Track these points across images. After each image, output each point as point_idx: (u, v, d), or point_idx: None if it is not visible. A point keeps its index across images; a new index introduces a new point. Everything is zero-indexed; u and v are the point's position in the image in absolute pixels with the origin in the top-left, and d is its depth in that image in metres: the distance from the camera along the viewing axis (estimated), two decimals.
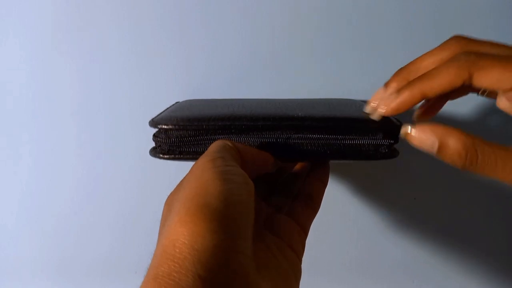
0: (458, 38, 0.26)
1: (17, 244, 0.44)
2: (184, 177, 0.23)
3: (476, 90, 0.27)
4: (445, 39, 0.26)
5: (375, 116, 0.27)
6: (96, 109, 0.40)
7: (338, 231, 0.43)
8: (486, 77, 0.23)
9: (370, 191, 0.42)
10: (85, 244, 0.43)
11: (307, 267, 0.26)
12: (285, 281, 0.23)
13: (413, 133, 0.24)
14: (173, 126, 0.26)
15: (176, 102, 0.36)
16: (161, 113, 0.30)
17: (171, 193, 0.23)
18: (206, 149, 0.24)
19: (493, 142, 0.23)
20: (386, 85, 0.27)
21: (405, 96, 0.25)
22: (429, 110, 0.30)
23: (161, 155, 0.27)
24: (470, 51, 0.24)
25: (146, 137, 0.30)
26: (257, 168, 0.26)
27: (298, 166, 0.33)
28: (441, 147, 0.23)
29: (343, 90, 0.39)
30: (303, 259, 0.26)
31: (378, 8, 0.38)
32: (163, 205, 0.23)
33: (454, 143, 0.23)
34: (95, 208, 0.42)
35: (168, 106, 0.34)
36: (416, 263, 0.44)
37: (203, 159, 0.22)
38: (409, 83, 0.25)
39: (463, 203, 0.42)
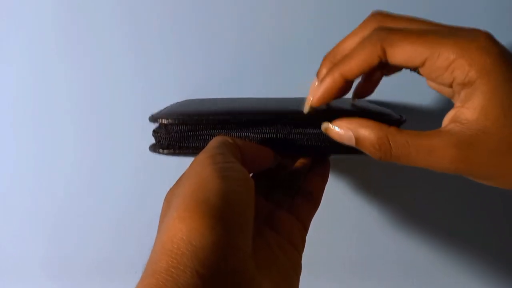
0: (375, 15, 0.25)
1: (17, 244, 0.44)
2: (184, 173, 0.23)
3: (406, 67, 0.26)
4: None
5: (304, 109, 0.26)
6: (95, 108, 0.40)
7: (337, 229, 0.43)
8: (398, 53, 0.23)
9: (370, 189, 0.42)
10: (85, 243, 0.43)
11: (306, 265, 0.26)
12: (285, 277, 0.23)
13: (331, 128, 0.25)
14: (173, 121, 0.26)
15: (176, 103, 0.36)
16: (160, 110, 0.30)
17: (170, 189, 0.23)
18: (206, 145, 0.24)
19: (408, 129, 0.23)
20: (317, 73, 0.27)
21: (327, 83, 0.24)
22: (365, 88, 0.29)
23: (160, 150, 0.27)
24: (386, 26, 0.24)
25: (146, 137, 0.30)
26: (257, 164, 0.26)
27: (298, 163, 0.33)
28: (357, 140, 0.24)
29: None
30: (302, 256, 0.26)
31: (377, 7, 0.38)
32: (163, 202, 0.23)
33: (368, 135, 0.23)
34: (94, 206, 0.42)
35: (167, 105, 0.34)
36: (416, 262, 0.44)
37: (203, 155, 0.22)
38: (330, 69, 0.25)
39: (463, 202, 0.42)
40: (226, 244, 0.18)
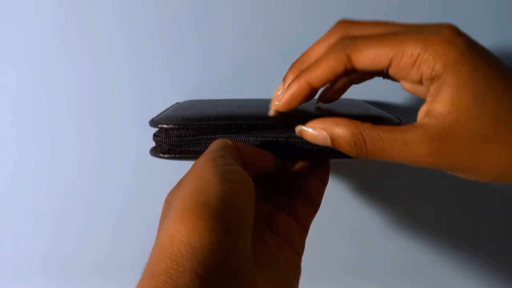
0: (341, 23, 0.25)
1: (17, 244, 0.44)
2: (184, 176, 0.23)
3: (377, 74, 0.27)
4: None
5: (270, 113, 0.26)
6: (95, 109, 0.40)
7: (337, 231, 0.43)
8: (363, 58, 0.23)
9: (370, 191, 0.42)
10: (85, 244, 0.43)
11: (306, 267, 0.26)
12: (285, 279, 0.23)
13: (305, 130, 0.25)
14: (174, 126, 0.26)
15: (176, 103, 0.36)
16: (161, 113, 0.30)
17: (171, 191, 0.23)
18: (207, 149, 0.24)
19: (382, 125, 0.23)
20: (284, 79, 0.27)
21: (293, 89, 0.25)
22: (333, 94, 0.29)
23: (161, 155, 0.27)
24: (349, 34, 0.24)
25: (146, 137, 0.30)
26: (257, 167, 0.26)
27: (298, 165, 0.33)
28: (332, 139, 0.24)
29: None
30: (302, 258, 0.26)
31: (377, 7, 0.38)
32: (163, 204, 0.23)
33: (342, 133, 0.23)
34: (95, 208, 0.42)
35: (167, 106, 0.34)
36: (416, 263, 0.44)
37: (203, 158, 0.22)
38: (297, 76, 0.25)
39: (463, 203, 0.42)
40: (226, 246, 0.18)
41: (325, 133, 0.24)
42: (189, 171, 0.22)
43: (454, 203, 0.42)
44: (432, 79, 0.22)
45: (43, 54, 0.39)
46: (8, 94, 0.40)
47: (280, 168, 0.32)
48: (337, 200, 0.42)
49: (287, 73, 0.27)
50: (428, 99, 0.23)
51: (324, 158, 0.30)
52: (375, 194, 0.42)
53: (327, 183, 0.31)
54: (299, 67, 0.26)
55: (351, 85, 0.29)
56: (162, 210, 0.23)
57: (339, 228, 0.43)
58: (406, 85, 0.25)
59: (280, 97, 0.26)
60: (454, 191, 0.42)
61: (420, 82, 0.23)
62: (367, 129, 0.23)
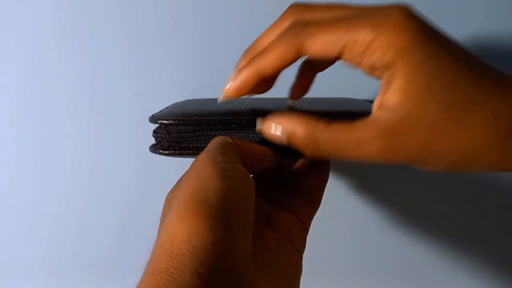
0: (293, 7, 0.24)
1: (16, 244, 0.44)
2: (184, 174, 0.23)
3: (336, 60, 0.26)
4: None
5: (219, 99, 0.25)
6: (95, 108, 0.40)
7: (338, 230, 0.43)
8: (315, 45, 0.22)
9: (370, 189, 0.42)
10: (85, 244, 0.43)
11: (306, 265, 0.26)
12: (286, 277, 0.23)
13: (264, 128, 0.24)
14: (173, 121, 0.26)
15: (175, 103, 0.36)
16: (160, 111, 0.30)
17: (171, 190, 0.23)
18: (207, 145, 0.24)
19: (338, 121, 0.22)
20: (236, 65, 0.26)
21: (243, 76, 0.24)
22: (300, 87, 0.29)
23: (161, 151, 0.27)
24: (302, 19, 0.23)
25: (146, 137, 0.30)
26: (257, 164, 0.26)
27: (298, 163, 0.33)
28: (288, 138, 0.23)
29: (344, 90, 0.39)
30: (303, 257, 0.26)
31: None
32: (163, 203, 0.23)
33: (296, 132, 0.23)
34: (94, 207, 0.42)
35: (167, 106, 0.34)
36: (416, 262, 0.43)
37: (203, 155, 0.22)
38: (247, 62, 0.24)
39: (463, 202, 0.42)
40: (226, 244, 0.18)
41: (284, 132, 0.24)
42: (188, 169, 0.22)
43: (454, 203, 0.42)
44: (385, 67, 0.21)
45: (43, 53, 0.39)
46: (8, 93, 0.40)
47: (280, 166, 0.32)
48: (337, 199, 0.42)
49: (239, 59, 0.26)
50: (382, 88, 0.22)
51: None
52: (376, 193, 0.42)
53: (327, 181, 0.31)
54: (251, 54, 0.25)
55: (315, 74, 0.28)
56: (163, 209, 0.23)
57: (339, 227, 0.43)
58: (366, 70, 0.24)
59: (230, 83, 0.25)
60: (454, 191, 0.42)
61: (374, 69, 0.22)
62: (320, 129, 0.22)
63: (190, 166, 0.23)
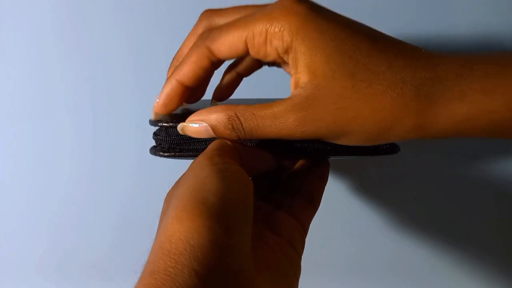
0: (205, 13, 0.26)
1: (16, 244, 0.44)
2: (183, 175, 0.23)
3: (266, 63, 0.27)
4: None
5: (152, 117, 0.26)
6: (95, 109, 0.40)
7: (337, 230, 0.43)
8: (221, 47, 0.23)
9: (370, 190, 0.42)
10: (85, 244, 0.43)
11: (305, 266, 0.26)
12: (285, 278, 0.23)
13: (188, 125, 0.25)
14: (174, 124, 0.26)
15: None
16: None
17: (169, 190, 0.23)
18: (206, 147, 0.24)
19: (257, 104, 0.23)
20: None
21: (166, 90, 0.25)
22: (223, 89, 0.30)
23: (161, 153, 0.27)
24: (211, 25, 0.25)
25: (146, 138, 0.30)
26: (256, 165, 0.26)
27: (298, 164, 0.33)
28: (212, 128, 0.24)
29: (272, 91, 0.39)
30: (302, 257, 0.26)
31: (379, 6, 0.38)
32: (162, 203, 0.23)
33: (218, 118, 0.23)
34: (94, 208, 0.42)
35: None
36: (415, 262, 0.43)
37: (202, 157, 0.23)
38: (168, 77, 0.25)
39: (463, 203, 0.42)
40: (225, 244, 0.19)
41: (205, 124, 0.24)
42: (187, 170, 0.23)
43: (454, 203, 0.42)
44: (286, 51, 0.22)
45: (43, 53, 0.39)
46: (8, 93, 0.40)
47: (279, 167, 0.32)
48: (337, 199, 0.42)
49: (168, 72, 0.27)
50: (292, 72, 0.23)
51: (324, 156, 0.30)
52: (375, 193, 0.42)
53: (326, 182, 0.31)
54: (174, 65, 0.26)
55: (240, 78, 0.30)
56: (162, 210, 0.23)
57: (339, 227, 0.43)
58: (286, 68, 0.25)
59: (156, 100, 0.26)
60: (454, 191, 0.42)
61: (280, 58, 0.23)
62: (241, 110, 0.23)
63: (189, 167, 0.23)
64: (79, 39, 0.39)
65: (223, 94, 0.30)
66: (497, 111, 0.21)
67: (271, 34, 0.22)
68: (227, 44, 0.23)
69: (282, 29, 0.21)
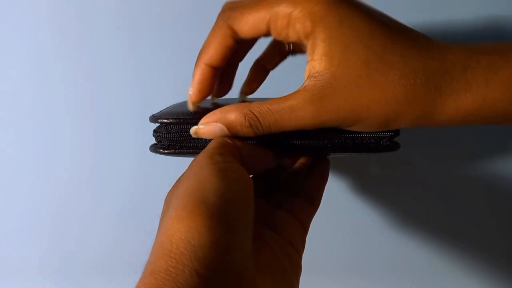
0: (226, 3, 0.26)
1: (16, 244, 0.44)
2: (183, 174, 0.23)
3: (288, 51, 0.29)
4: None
5: (189, 107, 0.27)
6: (95, 108, 0.40)
7: (337, 230, 0.43)
8: (244, 25, 0.24)
9: (370, 190, 0.42)
10: (85, 243, 0.43)
11: (306, 265, 0.26)
12: (285, 277, 0.23)
13: (201, 128, 0.25)
14: (174, 120, 0.26)
15: (176, 103, 0.36)
16: (161, 110, 0.30)
17: (170, 190, 0.23)
18: (207, 144, 0.24)
19: (271, 98, 0.23)
20: None
21: (197, 76, 0.26)
22: (251, 82, 0.31)
23: (161, 150, 0.27)
24: (228, 6, 0.25)
25: (146, 135, 0.30)
26: (257, 164, 0.26)
27: (298, 163, 0.33)
28: (228, 127, 0.24)
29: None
30: (302, 257, 0.26)
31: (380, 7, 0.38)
32: (163, 202, 0.23)
33: (234, 117, 0.23)
34: (94, 207, 0.42)
35: (167, 105, 0.34)
36: (416, 262, 0.43)
37: (202, 155, 0.22)
38: (196, 63, 0.26)
39: (463, 202, 0.42)
40: (226, 244, 0.18)
41: (219, 125, 0.24)
42: (187, 169, 0.22)
43: (454, 203, 0.42)
44: (306, 37, 0.23)
45: (43, 53, 0.39)
46: (8, 93, 0.40)
47: (279, 166, 0.32)
48: (337, 199, 0.42)
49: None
50: (308, 58, 0.23)
51: (324, 153, 0.30)
52: (375, 193, 0.42)
53: (327, 180, 0.31)
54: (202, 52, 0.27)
55: (267, 72, 0.31)
56: (162, 209, 0.23)
57: (339, 227, 0.43)
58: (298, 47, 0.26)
59: (190, 89, 0.26)
60: (454, 191, 0.42)
61: (300, 41, 0.24)
62: (255, 106, 0.23)
63: (189, 166, 0.23)
64: (79, 39, 0.39)
65: (252, 87, 0.31)
66: (500, 102, 0.22)
67: (295, 18, 0.23)
68: (250, 23, 0.24)
69: (305, 14, 0.22)
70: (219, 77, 0.28)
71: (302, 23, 0.22)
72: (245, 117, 0.23)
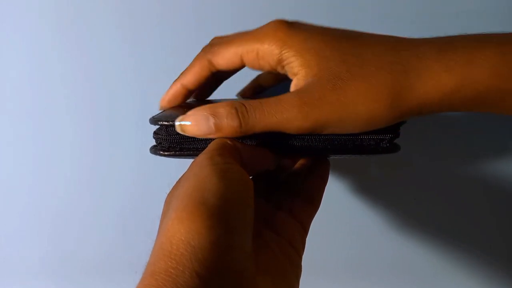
0: (214, 38, 0.29)
1: (16, 244, 0.44)
2: (183, 175, 0.23)
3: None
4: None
5: (159, 109, 0.31)
6: (95, 109, 0.40)
7: (337, 230, 0.43)
8: (220, 61, 0.27)
9: (370, 190, 0.42)
10: (85, 244, 0.43)
11: (306, 266, 0.26)
12: (285, 278, 0.23)
13: (187, 124, 0.24)
14: (174, 123, 0.26)
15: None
16: (161, 112, 0.30)
17: (170, 191, 0.23)
18: (207, 145, 0.24)
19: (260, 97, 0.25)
20: None
21: (172, 91, 0.29)
22: (248, 92, 0.35)
23: (161, 152, 0.27)
24: (211, 42, 0.29)
25: (146, 137, 0.30)
26: (256, 165, 0.26)
27: (298, 164, 0.33)
28: (216, 119, 0.24)
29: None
30: (302, 257, 0.26)
31: (380, 7, 0.38)
32: (163, 203, 0.23)
33: (224, 109, 0.24)
34: (94, 208, 0.42)
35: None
36: (416, 263, 0.43)
37: (202, 156, 0.22)
38: (176, 79, 0.29)
39: (463, 202, 0.42)
40: (226, 244, 0.19)
41: (208, 116, 0.24)
42: (187, 170, 0.23)
43: (454, 203, 0.42)
44: (279, 62, 0.25)
45: (43, 53, 0.39)
46: (8, 93, 0.40)
47: (279, 167, 0.32)
48: (337, 199, 0.42)
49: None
50: (292, 77, 0.25)
51: (324, 155, 0.30)
52: (375, 193, 0.42)
53: (327, 181, 0.31)
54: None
55: (262, 88, 0.35)
56: (162, 210, 0.23)
57: (339, 227, 0.43)
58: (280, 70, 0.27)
59: (163, 96, 0.30)
60: (454, 191, 0.42)
61: (275, 68, 0.26)
62: (246, 100, 0.24)
63: (189, 167, 0.23)
64: (79, 39, 0.39)
65: (244, 94, 0.36)
66: (481, 80, 0.23)
67: (262, 51, 0.25)
68: (226, 58, 0.26)
69: (270, 45, 0.25)
70: (201, 87, 0.30)
71: (269, 53, 0.25)
72: (234, 107, 0.24)
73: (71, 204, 0.42)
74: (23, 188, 0.42)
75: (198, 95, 0.33)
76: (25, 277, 0.45)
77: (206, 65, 0.27)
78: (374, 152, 0.27)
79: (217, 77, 0.31)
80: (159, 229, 0.21)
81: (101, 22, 0.38)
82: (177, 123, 0.25)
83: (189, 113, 0.24)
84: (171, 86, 0.29)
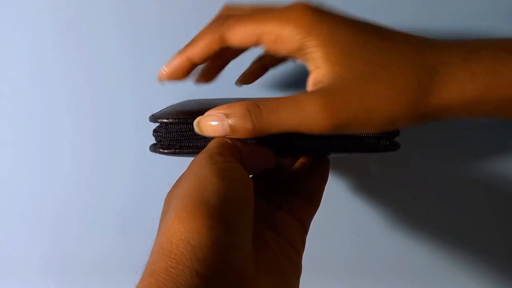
0: (225, 6, 0.28)
1: (16, 244, 0.44)
2: (183, 174, 0.23)
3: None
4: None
5: (158, 80, 0.28)
6: (95, 108, 0.40)
7: (337, 229, 0.43)
8: (234, 35, 0.24)
9: (370, 189, 0.42)
10: (85, 244, 0.43)
11: (305, 265, 0.26)
12: (285, 278, 0.23)
13: (204, 125, 0.24)
14: (174, 120, 0.26)
15: (176, 103, 0.36)
16: (161, 110, 0.30)
17: (170, 190, 0.23)
18: (207, 144, 0.24)
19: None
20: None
21: (175, 63, 0.27)
22: (249, 74, 0.33)
23: (161, 150, 0.27)
24: (225, 13, 0.27)
25: (146, 135, 0.30)
26: (256, 164, 0.26)
27: (298, 163, 0.33)
28: (230, 121, 0.23)
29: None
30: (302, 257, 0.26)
31: (380, 7, 0.38)
32: (163, 203, 0.23)
33: (237, 110, 0.23)
34: (94, 207, 0.42)
35: (167, 105, 0.34)
36: (416, 262, 0.43)
37: (201, 155, 0.22)
38: (179, 50, 0.27)
39: (463, 202, 0.42)
40: (226, 244, 0.19)
41: (222, 118, 0.23)
42: (187, 169, 0.22)
43: (454, 203, 0.42)
44: (300, 49, 0.23)
45: (43, 53, 0.39)
46: (8, 93, 0.40)
47: (279, 166, 0.32)
48: (337, 199, 0.42)
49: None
50: (310, 67, 0.24)
51: (324, 153, 0.30)
52: (375, 192, 0.42)
53: (327, 180, 0.31)
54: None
55: (265, 69, 0.32)
56: (162, 210, 0.23)
57: (339, 227, 0.43)
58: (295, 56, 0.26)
59: (163, 67, 0.27)
60: (454, 191, 0.42)
61: (294, 54, 0.24)
62: (261, 101, 0.23)
63: (189, 166, 0.23)
64: (78, 39, 0.39)
65: (249, 79, 0.33)
66: (505, 90, 0.23)
67: (282, 35, 0.23)
68: (240, 34, 0.24)
69: (293, 28, 0.23)
70: (206, 65, 0.28)
71: (290, 39, 0.23)
72: (247, 107, 0.23)
73: (71, 204, 0.42)
74: (23, 188, 0.42)
75: (203, 76, 0.31)
76: (25, 277, 0.44)
77: (218, 39, 0.25)
78: (374, 150, 0.27)
79: (223, 55, 0.29)
80: (159, 228, 0.21)
81: (101, 22, 0.38)
82: (195, 123, 0.25)
83: (207, 113, 0.24)
84: (174, 58, 0.27)
